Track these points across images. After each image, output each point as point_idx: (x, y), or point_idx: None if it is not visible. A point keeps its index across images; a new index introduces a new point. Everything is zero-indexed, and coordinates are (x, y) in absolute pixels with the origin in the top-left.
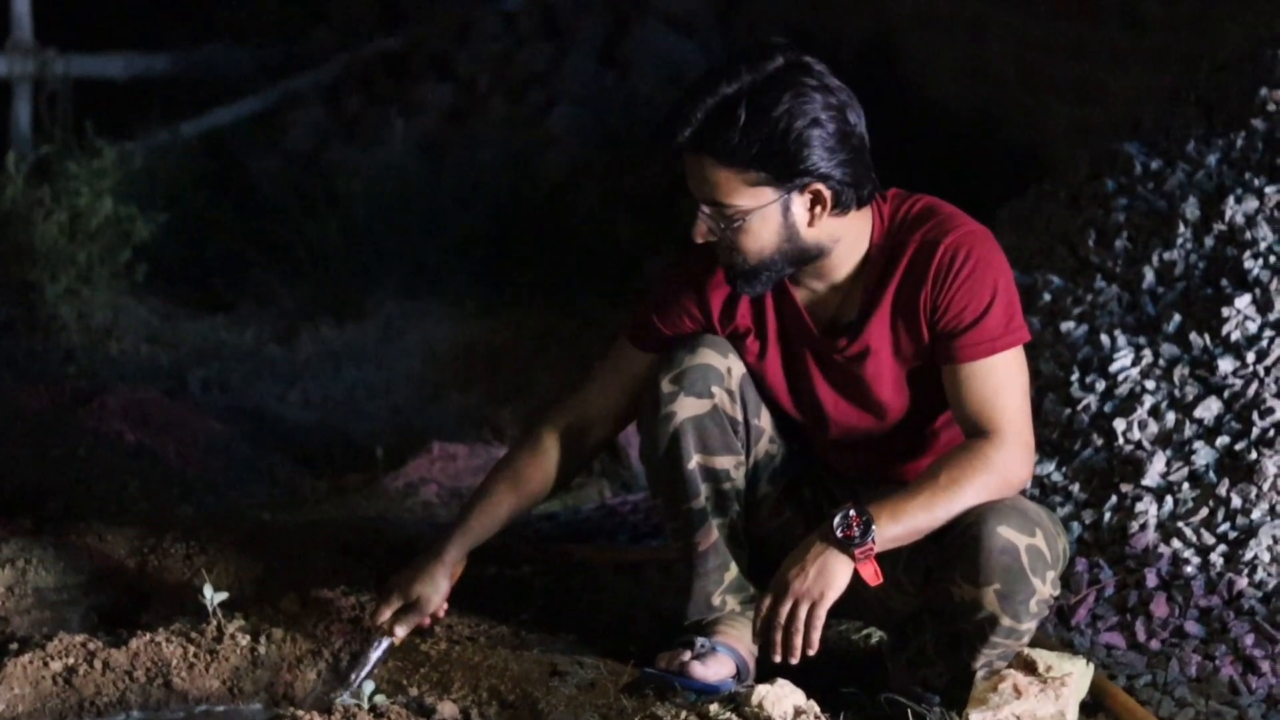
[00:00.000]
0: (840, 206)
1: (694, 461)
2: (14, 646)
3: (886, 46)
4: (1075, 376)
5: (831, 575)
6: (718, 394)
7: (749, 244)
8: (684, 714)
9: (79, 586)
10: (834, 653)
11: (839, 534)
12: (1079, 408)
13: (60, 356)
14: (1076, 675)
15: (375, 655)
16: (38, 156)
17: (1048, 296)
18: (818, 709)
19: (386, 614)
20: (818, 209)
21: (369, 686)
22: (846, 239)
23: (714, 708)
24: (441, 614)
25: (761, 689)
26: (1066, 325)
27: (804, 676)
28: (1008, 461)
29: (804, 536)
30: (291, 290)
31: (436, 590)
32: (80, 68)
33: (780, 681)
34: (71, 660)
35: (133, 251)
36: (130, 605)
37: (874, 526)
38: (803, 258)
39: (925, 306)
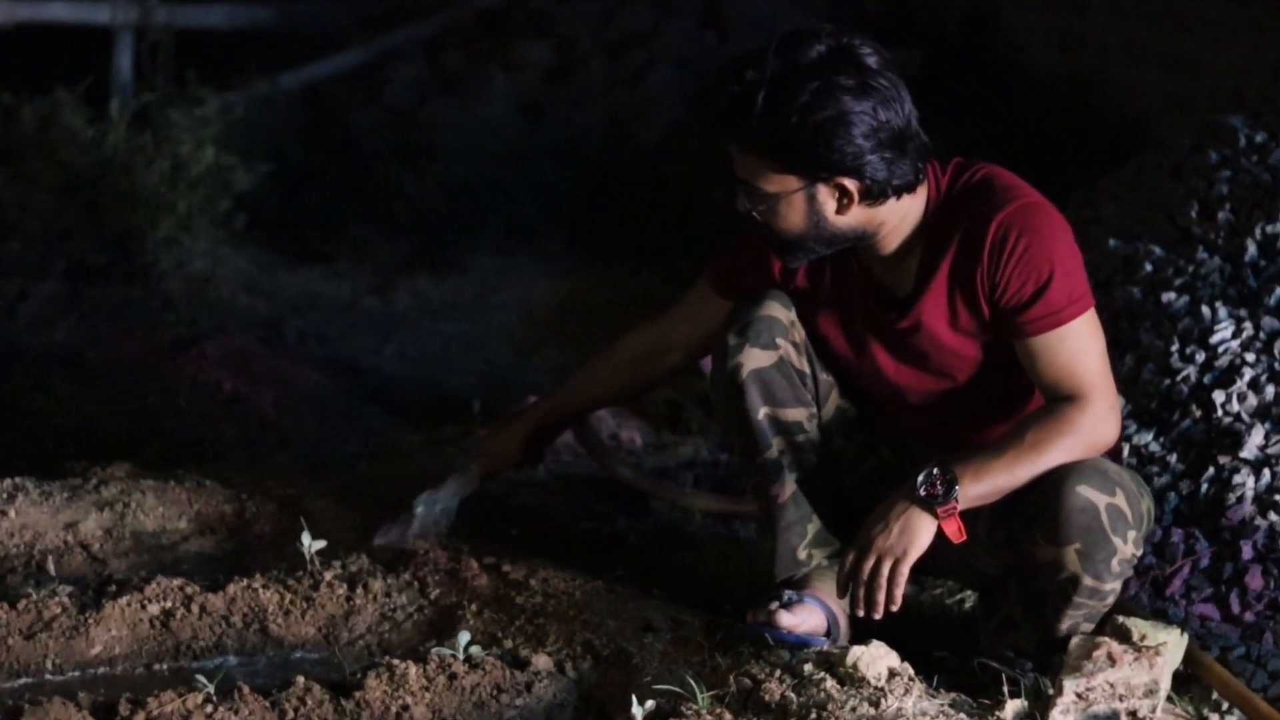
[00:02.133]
0: (872, 198)
1: (762, 413)
2: (112, 589)
3: (989, 15)
4: (1175, 347)
5: (915, 533)
6: (783, 346)
7: (778, 224)
8: (778, 672)
9: (177, 531)
10: (928, 616)
11: (922, 492)
12: (1178, 379)
13: (159, 303)
14: (1170, 645)
15: (453, 483)
16: (139, 104)
17: (1149, 267)
18: (911, 671)
19: (468, 454)
20: (845, 200)
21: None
22: (890, 221)
23: (808, 667)
24: (511, 463)
25: (856, 650)
26: (1167, 296)
27: (898, 639)
28: (1095, 425)
29: (885, 493)
30: (389, 244)
31: (514, 442)
32: (182, 17)
33: (875, 643)
34: (169, 604)
35: (232, 201)
36: (228, 551)
37: (957, 486)
38: (838, 242)
39: (983, 285)
